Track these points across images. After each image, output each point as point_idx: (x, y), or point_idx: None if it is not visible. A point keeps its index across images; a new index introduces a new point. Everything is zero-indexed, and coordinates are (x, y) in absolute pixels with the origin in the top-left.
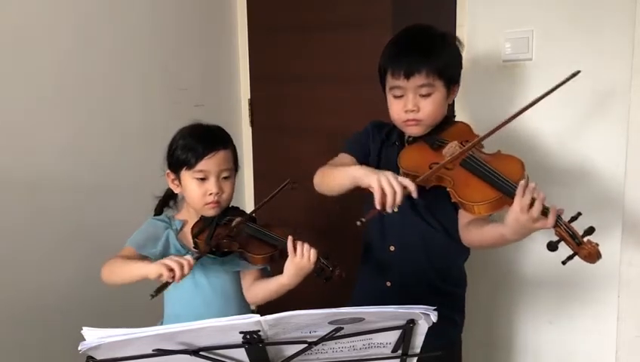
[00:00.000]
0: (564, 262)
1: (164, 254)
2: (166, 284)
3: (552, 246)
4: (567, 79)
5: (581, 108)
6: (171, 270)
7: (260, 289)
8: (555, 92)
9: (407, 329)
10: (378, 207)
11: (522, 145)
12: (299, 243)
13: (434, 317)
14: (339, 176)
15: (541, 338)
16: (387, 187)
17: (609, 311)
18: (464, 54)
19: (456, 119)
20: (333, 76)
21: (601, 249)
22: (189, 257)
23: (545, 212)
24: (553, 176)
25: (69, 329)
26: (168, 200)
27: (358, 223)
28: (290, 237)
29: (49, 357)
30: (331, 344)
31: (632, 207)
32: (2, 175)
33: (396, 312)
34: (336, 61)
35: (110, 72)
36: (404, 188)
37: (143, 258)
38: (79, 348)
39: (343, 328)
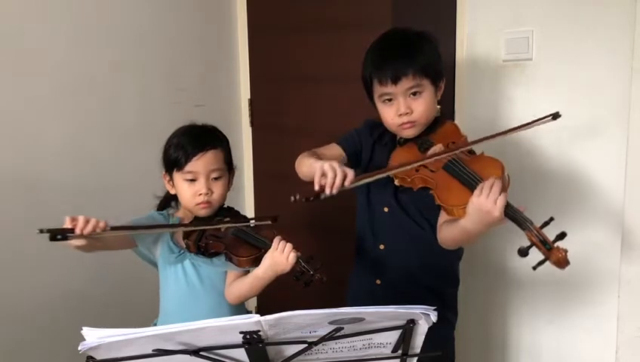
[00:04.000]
0: (534, 268)
1: (155, 244)
2: (65, 231)
3: (523, 253)
4: (544, 118)
5: (581, 109)
6: (75, 220)
7: (236, 286)
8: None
9: (407, 329)
10: (316, 187)
11: (521, 147)
12: (283, 241)
13: (434, 317)
14: (304, 165)
15: (541, 338)
16: (328, 169)
17: (609, 311)
18: (464, 54)
19: (455, 119)
20: (333, 76)
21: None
22: (102, 222)
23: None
24: (553, 177)
25: (68, 329)
26: (170, 200)
27: (292, 199)
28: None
29: (49, 357)
30: (331, 344)
31: (632, 207)
32: (2, 174)
33: (396, 312)
34: (336, 61)
35: (110, 72)
36: (344, 173)
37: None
38: (79, 348)
39: (343, 328)
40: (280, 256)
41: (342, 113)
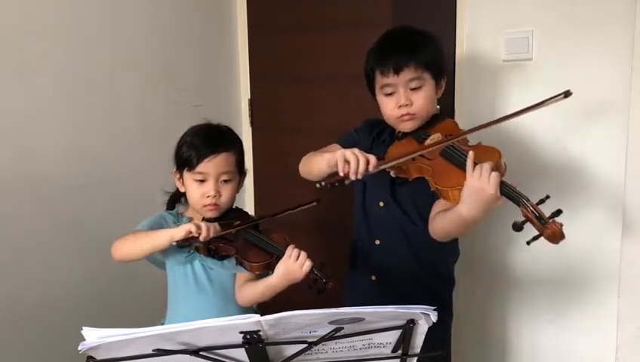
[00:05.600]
0: (528, 243)
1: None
2: (191, 239)
3: (518, 227)
4: (556, 96)
5: (581, 108)
6: (200, 228)
7: (248, 291)
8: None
9: (407, 329)
10: (341, 173)
11: (521, 145)
12: (296, 249)
13: (434, 317)
14: (316, 162)
15: (541, 338)
16: (350, 156)
17: (609, 311)
18: (464, 54)
19: (455, 118)
20: (333, 76)
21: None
22: (216, 224)
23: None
24: (553, 175)
25: (69, 329)
26: (179, 196)
27: (318, 185)
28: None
29: (49, 356)
30: (331, 344)
31: (632, 207)
32: (2, 175)
33: (396, 312)
34: (336, 61)
35: (110, 72)
36: (367, 159)
37: None
38: (79, 348)
39: (343, 328)
40: (294, 265)
41: (341, 113)
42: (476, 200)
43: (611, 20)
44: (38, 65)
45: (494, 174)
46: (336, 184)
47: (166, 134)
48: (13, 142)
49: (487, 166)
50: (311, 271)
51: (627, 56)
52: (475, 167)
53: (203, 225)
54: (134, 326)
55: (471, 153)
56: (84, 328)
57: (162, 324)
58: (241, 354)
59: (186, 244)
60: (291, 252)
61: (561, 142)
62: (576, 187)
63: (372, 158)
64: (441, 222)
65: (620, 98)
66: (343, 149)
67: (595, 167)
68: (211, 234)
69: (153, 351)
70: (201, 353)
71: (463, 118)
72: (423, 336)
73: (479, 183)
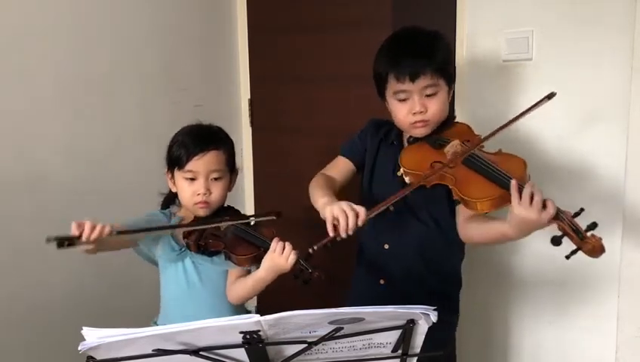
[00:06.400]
0: (567, 257)
1: (156, 243)
2: (74, 238)
3: (556, 241)
4: (542, 100)
5: (581, 108)
6: (81, 226)
7: (238, 287)
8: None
9: (407, 329)
10: (330, 234)
11: (523, 145)
12: (281, 241)
13: (434, 317)
14: (314, 199)
15: (541, 338)
16: (339, 213)
17: (609, 311)
18: (464, 54)
19: (456, 119)
20: (333, 76)
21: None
22: (108, 226)
23: (545, 206)
24: (553, 175)
25: (69, 329)
26: (173, 197)
27: (310, 251)
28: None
29: (49, 356)
30: (331, 344)
31: (632, 207)
32: (2, 175)
33: (396, 312)
34: (336, 61)
35: (110, 72)
36: (357, 213)
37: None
38: (79, 348)
39: (342, 328)
40: (280, 258)
41: (341, 113)
42: (526, 227)
43: (611, 20)
44: (38, 65)
45: (550, 204)
46: (329, 245)
47: (166, 134)
48: (13, 142)
49: (538, 198)
50: (297, 262)
51: (627, 56)
52: (522, 191)
53: (87, 223)
54: (134, 327)
55: (514, 182)
56: (84, 328)
57: (155, 322)
58: (241, 354)
59: (65, 243)
60: (276, 244)
61: (561, 143)
62: (576, 187)
63: (361, 211)
64: (480, 233)
65: (619, 98)
66: (330, 206)
67: (594, 167)
68: (95, 235)
69: (153, 351)
70: (201, 353)
71: (464, 118)
72: (423, 336)
73: (529, 213)
